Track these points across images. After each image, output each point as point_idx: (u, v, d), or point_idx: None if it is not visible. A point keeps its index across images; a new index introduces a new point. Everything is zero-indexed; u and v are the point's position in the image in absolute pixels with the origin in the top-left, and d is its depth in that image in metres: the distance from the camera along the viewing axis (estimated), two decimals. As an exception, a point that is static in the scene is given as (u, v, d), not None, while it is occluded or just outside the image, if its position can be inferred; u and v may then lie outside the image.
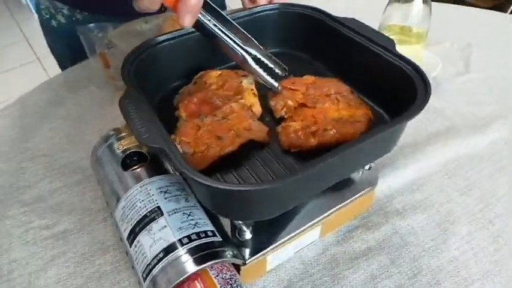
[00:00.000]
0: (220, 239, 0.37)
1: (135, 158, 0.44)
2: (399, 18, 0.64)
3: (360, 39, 0.44)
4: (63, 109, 0.67)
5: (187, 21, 0.36)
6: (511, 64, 0.72)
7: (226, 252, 0.36)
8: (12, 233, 0.48)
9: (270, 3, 0.53)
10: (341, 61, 0.47)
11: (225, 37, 0.41)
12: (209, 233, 0.37)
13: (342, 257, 0.45)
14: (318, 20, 0.48)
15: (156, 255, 0.34)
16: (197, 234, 0.36)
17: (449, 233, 0.47)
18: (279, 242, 0.39)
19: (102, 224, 0.49)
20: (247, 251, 0.38)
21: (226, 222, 0.40)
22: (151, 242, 0.35)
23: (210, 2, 0.40)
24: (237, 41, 0.41)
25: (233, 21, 0.41)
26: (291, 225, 0.40)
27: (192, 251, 0.34)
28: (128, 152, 0.44)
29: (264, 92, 0.45)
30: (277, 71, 0.44)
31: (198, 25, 0.39)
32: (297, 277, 0.43)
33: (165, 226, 0.36)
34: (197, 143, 0.36)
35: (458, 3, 0.96)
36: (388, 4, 0.64)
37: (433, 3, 0.62)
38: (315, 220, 0.41)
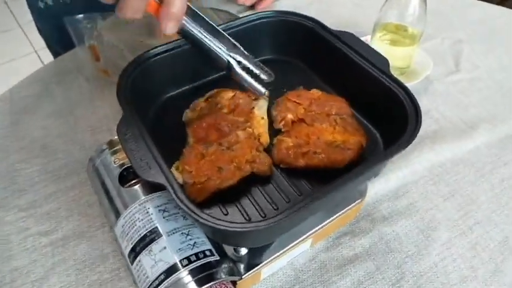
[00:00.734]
0: (218, 258, 0.39)
1: (132, 171, 0.45)
2: (395, 17, 0.64)
3: (353, 55, 0.44)
4: (53, 104, 0.66)
5: (170, 29, 0.36)
6: (501, 62, 0.73)
7: (225, 271, 0.38)
8: (11, 240, 0.49)
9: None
10: (334, 74, 0.48)
11: (211, 43, 0.40)
12: (207, 253, 0.38)
13: (331, 264, 0.48)
14: (313, 31, 0.48)
15: (158, 277, 0.36)
16: (196, 255, 0.38)
17: (431, 240, 0.50)
18: (273, 256, 0.42)
19: (100, 231, 0.50)
20: (243, 266, 0.41)
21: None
22: (152, 263, 0.37)
23: (193, 8, 0.39)
24: (222, 48, 0.41)
25: (218, 28, 0.40)
26: (284, 240, 0.42)
27: (192, 273, 0.36)
28: (125, 167, 0.44)
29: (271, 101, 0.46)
30: (263, 77, 0.44)
31: (182, 32, 0.39)
32: (289, 283, 0.46)
33: (165, 247, 0.38)
34: (198, 173, 0.37)
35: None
36: (385, 2, 0.64)
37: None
38: (307, 234, 0.43)
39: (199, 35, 0.39)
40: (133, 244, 0.39)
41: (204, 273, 0.37)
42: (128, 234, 0.40)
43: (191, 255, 0.37)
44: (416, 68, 0.69)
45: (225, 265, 0.39)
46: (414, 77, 0.67)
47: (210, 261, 0.38)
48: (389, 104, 0.41)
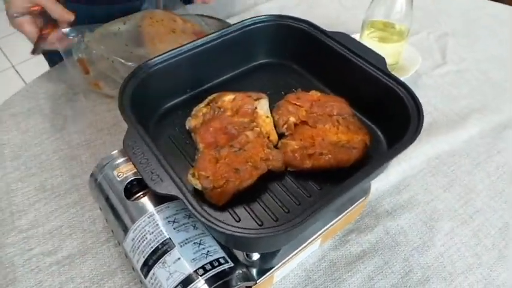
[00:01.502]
0: (232, 265, 0.39)
1: (137, 183, 0.45)
2: (382, 14, 0.65)
3: (349, 55, 0.45)
4: (46, 120, 0.65)
5: None
6: (486, 53, 0.75)
7: (239, 277, 0.38)
8: (15, 262, 0.48)
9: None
10: (331, 75, 0.48)
11: None
12: (221, 260, 0.38)
13: (340, 262, 0.48)
14: (307, 33, 0.49)
15: (174, 288, 0.36)
16: (211, 263, 0.37)
17: (434, 231, 0.51)
18: (285, 259, 0.42)
19: (106, 246, 0.50)
20: (256, 271, 0.41)
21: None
22: (167, 275, 0.37)
23: None
24: None
25: None
26: (294, 242, 0.43)
27: (209, 282, 0.36)
28: (129, 180, 0.44)
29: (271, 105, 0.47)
30: None
31: None
32: (301, 285, 0.46)
33: (179, 258, 0.37)
34: (216, 177, 0.37)
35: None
36: (372, 0, 0.65)
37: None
38: (316, 235, 0.43)
39: None
40: (145, 257, 0.39)
41: (220, 281, 0.37)
42: (138, 248, 0.40)
43: (206, 264, 0.37)
44: (405, 63, 0.70)
45: (239, 271, 0.39)
46: (404, 72, 0.68)
47: (225, 268, 0.38)
48: (389, 101, 0.42)
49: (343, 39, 0.46)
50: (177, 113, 0.48)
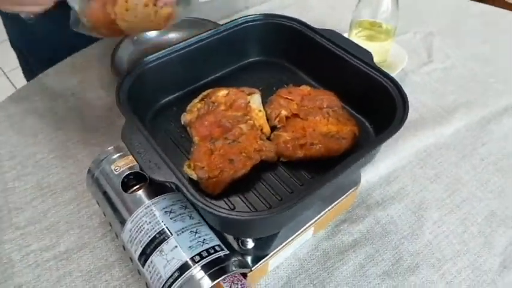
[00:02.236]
0: (227, 252, 0.40)
1: (134, 178, 0.46)
2: (369, 14, 0.67)
3: (339, 51, 0.47)
4: (41, 121, 0.66)
5: None
6: (470, 52, 0.78)
7: (235, 264, 0.39)
8: (13, 257, 0.49)
9: None
10: (321, 70, 0.50)
11: None
12: (217, 248, 0.40)
13: (333, 251, 0.50)
14: (298, 31, 0.51)
15: (172, 275, 0.37)
16: (207, 250, 0.39)
17: (423, 220, 0.53)
18: (279, 247, 0.43)
19: (103, 241, 0.50)
20: (252, 259, 0.42)
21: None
22: (164, 262, 0.38)
23: None
24: None
25: None
26: (288, 230, 0.44)
27: (205, 268, 0.37)
28: (127, 174, 0.45)
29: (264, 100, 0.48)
30: None
31: None
32: (295, 273, 0.48)
33: (176, 246, 0.39)
34: (211, 167, 0.39)
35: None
36: (359, 1, 0.67)
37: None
38: (309, 223, 0.45)
39: None
40: (143, 247, 0.40)
41: (216, 267, 0.38)
42: (136, 238, 0.41)
43: (202, 251, 0.38)
44: (392, 61, 0.72)
45: (234, 258, 0.40)
46: (391, 69, 0.70)
47: (220, 255, 0.39)
48: (376, 93, 0.43)
49: (332, 36, 0.48)
50: (172, 109, 0.49)
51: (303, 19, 0.53)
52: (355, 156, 0.37)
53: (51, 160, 0.60)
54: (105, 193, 0.46)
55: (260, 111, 0.46)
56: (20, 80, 0.88)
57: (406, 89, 0.65)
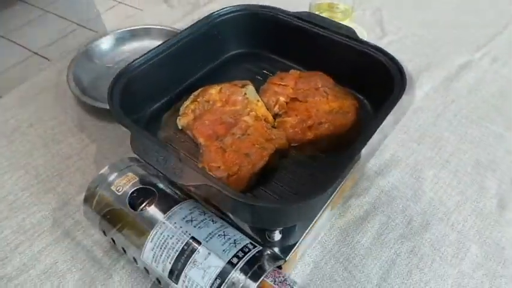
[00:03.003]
0: (260, 248, 0.39)
1: (139, 194, 0.43)
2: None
3: (321, 30, 0.47)
4: (6, 158, 0.59)
5: None
6: (416, 20, 0.83)
7: (270, 259, 0.38)
8: (13, 313, 0.43)
9: None
10: (305, 54, 0.50)
11: None
12: (250, 246, 0.38)
13: (348, 226, 0.50)
14: (275, 18, 0.50)
15: (213, 283, 0.35)
16: (242, 250, 0.37)
17: (421, 180, 0.55)
18: (305, 232, 0.43)
19: (113, 271, 0.46)
20: (281, 250, 0.41)
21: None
22: (201, 272, 0.36)
23: None
24: None
25: None
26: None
27: (245, 269, 0.36)
28: (132, 191, 0.42)
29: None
30: None
31: None
32: (319, 256, 0.47)
33: (209, 253, 0.37)
34: (228, 165, 0.37)
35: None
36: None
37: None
38: (327, 202, 0.45)
39: None
40: (172, 263, 0.37)
41: (254, 267, 0.36)
42: (161, 256, 0.38)
43: (237, 252, 0.37)
44: (353, 39, 0.75)
45: (267, 253, 0.39)
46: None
47: (255, 253, 0.38)
48: (369, 66, 0.44)
49: (309, 17, 0.48)
50: (163, 116, 0.47)
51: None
52: (374, 124, 0.38)
53: (27, 199, 0.54)
54: (110, 218, 0.42)
55: (259, 101, 0.45)
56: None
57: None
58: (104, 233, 0.44)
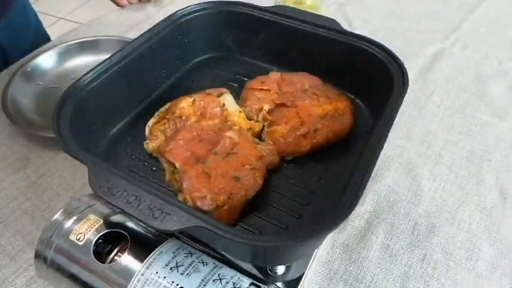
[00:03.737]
0: (265, 286, 0.32)
1: (106, 240, 0.34)
2: (290, -7, 0.65)
3: (302, 25, 0.42)
4: None
5: None
6: (382, 12, 0.80)
7: (279, 299, 0.32)
8: None
9: None
10: (285, 53, 0.45)
11: None
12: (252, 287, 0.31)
13: (352, 241, 0.45)
14: (245, 15, 0.44)
15: None
16: (245, 296, 0.30)
17: (418, 178, 0.51)
18: (310, 262, 0.37)
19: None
20: (288, 284, 0.35)
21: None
22: (198, 333, 0.29)
23: None
24: None
25: None
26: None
27: (253, 319, 0.29)
28: (97, 238, 0.34)
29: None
30: None
31: None
32: (325, 280, 0.42)
33: (205, 306, 0.29)
34: (215, 193, 0.30)
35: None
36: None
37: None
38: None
39: None
40: (159, 325, 0.30)
41: (262, 312, 0.30)
42: (144, 316, 0.30)
43: (240, 299, 0.30)
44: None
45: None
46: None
47: (260, 295, 0.31)
48: (363, 62, 0.40)
49: (287, 11, 0.42)
50: (126, 140, 0.39)
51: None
52: (382, 131, 0.32)
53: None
54: (72, 276, 0.33)
55: (240, 111, 0.38)
56: None
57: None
58: (65, 294, 0.35)
